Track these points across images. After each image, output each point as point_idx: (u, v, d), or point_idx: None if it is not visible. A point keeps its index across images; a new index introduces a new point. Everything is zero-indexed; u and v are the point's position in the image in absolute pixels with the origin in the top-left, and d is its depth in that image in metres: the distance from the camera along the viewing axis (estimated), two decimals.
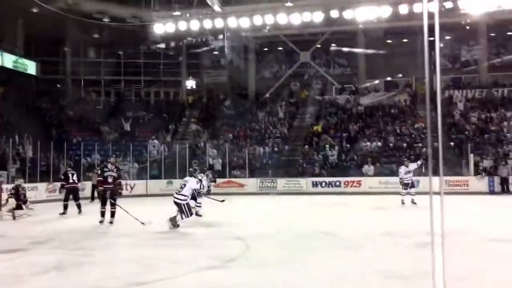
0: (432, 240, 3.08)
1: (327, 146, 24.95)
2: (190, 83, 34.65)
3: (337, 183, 22.58)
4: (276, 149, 25.93)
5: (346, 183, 22.49)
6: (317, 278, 5.86)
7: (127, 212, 10.89)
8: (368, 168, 22.96)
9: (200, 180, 12.00)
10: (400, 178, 15.93)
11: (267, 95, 32.07)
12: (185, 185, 10.76)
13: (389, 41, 31.52)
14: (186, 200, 10.55)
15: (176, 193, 10.69)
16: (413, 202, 15.31)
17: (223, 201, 13.29)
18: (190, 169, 13.03)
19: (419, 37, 31.37)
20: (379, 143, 24.90)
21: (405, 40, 30.59)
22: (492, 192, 20.40)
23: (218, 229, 10.25)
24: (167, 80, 34.22)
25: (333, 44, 32.69)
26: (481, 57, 29.97)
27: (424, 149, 23.72)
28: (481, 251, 7.39)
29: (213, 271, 6.39)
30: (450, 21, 28.33)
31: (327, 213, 14.08)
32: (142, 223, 10.52)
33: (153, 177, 23.67)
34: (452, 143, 24.60)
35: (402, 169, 15.96)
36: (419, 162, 16.58)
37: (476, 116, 25.85)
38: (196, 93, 34.00)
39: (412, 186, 15.90)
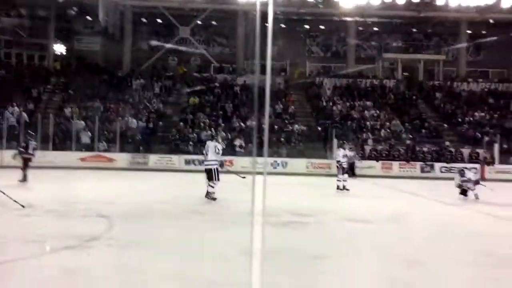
0: (252, 219, 3.10)
1: (202, 124, 24.93)
2: (59, 48, 32.08)
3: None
4: (150, 124, 25.24)
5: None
6: (180, 257, 5.74)
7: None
8: (242, 146, 23.51)
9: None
10: (338, 161, 14.79)
11: (143, 67, 30.98)
12: (208, 150, 11.07)
13: (267, 24, 32.18)
14: (216, 164, 10.97)
15: (205, 161, 11.07)
16: (345, 188, 14.28)
17: (244, 177, 12.49)
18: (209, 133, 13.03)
19: (296, 24, 32.78)
20: (254, 123, 25.52)
21: (283, 26, 31.50)
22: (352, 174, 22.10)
23: (80, 206, 9.63)
24: (32, 42, 31.23)
25: (213, 22, 32.58)
26: (350, 48, 32.06)
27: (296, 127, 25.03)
28: (338, 230, 7.89)
29: (71, 251, 5.95)
30: (326, 12, 29.93)
31: (199, 192, 14.05)
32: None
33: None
34: (319, 128, 26.16)
35: (341, 152, 14.95)
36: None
37: (341, 103, 27.68)
38: (65, 59, 31.61)
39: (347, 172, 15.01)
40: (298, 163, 23.04)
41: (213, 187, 11.06)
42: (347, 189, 14.14)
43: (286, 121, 25.98)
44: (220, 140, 12.01)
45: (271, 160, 22.96)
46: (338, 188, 14.35)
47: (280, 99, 27.96)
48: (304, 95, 30.27)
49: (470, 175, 13.09)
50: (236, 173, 13.07)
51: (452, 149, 24.02)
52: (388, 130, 25.72)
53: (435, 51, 32.56)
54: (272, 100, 27.68)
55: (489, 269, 5.51)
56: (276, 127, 25.61)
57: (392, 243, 6.99)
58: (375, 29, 32.61)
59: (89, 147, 22.86)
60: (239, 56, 31.87)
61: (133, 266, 5.27)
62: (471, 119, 26.79)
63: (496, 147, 23.56)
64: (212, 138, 12.40)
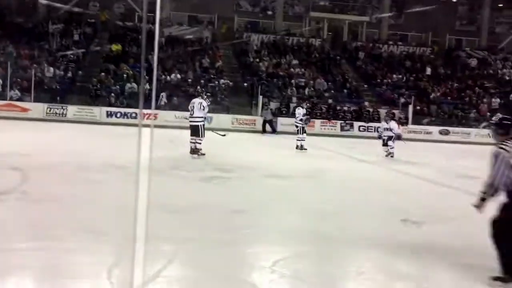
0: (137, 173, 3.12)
1: (125, 75, 24.05)
2: None
3: (133, 115, 22.10)
4: (69, 73, 23.92)
5: (143, 115, 22.10)
6: (96, 213, 5.62)
7: None
8: (164, 100, 23.07)
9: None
10: (300, 120, 14.68)
11: (62, 11, 28.95)
12: (193, 107, 11.18)
13: None
14: (202, 121, 11.16)
15: (190, 117, 11.22)
16: (302, 147, 14.37)
17: (224, 135, 13.07)
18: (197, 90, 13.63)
19: None
20: (178, 76, 25.00)
21: None
22: (274, 131, 22.53)
23: None
24: None
25: None
26: (278, 5, 31.87)
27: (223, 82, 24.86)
28: (259, 186, 8.09)
29: None
30: None
31: (119, 145, 13.70)
32: None
33: None
34: (245, 84, 26.20)
35: (300, 111, 14.89)
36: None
37: (268, 60, 27.76)
38: None
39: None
40: (224, 119, 23.02)
41: (200, 143, 11.20)
42: (305, 149, 14.24)
43: (212, 76, 25.69)
44: (205, 97, 11.84)
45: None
46: (297, 147, 14.39)
47: (207, 53, 27.51)
48: (231, 50, 30.00)
49: (394, 125, 13.82)
50: (214, 130, 13.17)
51: (370, 109, 25.11)
52: (312, 89, 26.29)
53: (360, 13, 33.25)
54: (199, 54, 27.22)
55: (395, 221, 5.93)
56: (202, 81, 25.30)
57: (309, 197, 7.30)
58: None
59: (0, 96, 21.35)
60: (165, 6, 30.63)
61: (44, 221, 5.10)
62: (389, 80, 28.01)
63: (410, 108, 24.92)
64: (197, 94, 12.32)
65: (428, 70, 29.43)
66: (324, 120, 23.92)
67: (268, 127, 22.42)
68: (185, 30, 29.64)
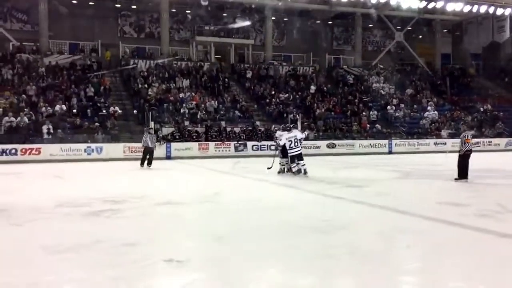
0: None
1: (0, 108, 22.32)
2: None
3: (13, 151, 20.48)
4: None
5: (24, 150, 20.63)
6: None
7: None
8: (50, 133, 21.75)
9: None
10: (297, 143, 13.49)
11: None
12: None
13: (74, 1, 30.20)
14: None
15: None
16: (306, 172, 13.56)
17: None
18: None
19: (106, 2, 31.23)
20: (63, 106, 23.73)
21: (91, 3, 29.80)
22: (168, 157, 22.23)
23: None
24: None
25: None
26: (163, 29, 31.76)
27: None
28: (152, 215, 7.86)
29: None
30: None
31: None
32: None
33: None
34: (135, 111, 25.61)
35: (298, 133, 13.94)
36: (306, 133, 15.21)
37: (157, 86, 27.45)
38: None
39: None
40: (115, 148, 22.23)
41: None
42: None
43: (99, 104, 24.77)
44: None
45: (84, 146, 21.76)
46: (299, 172, 13.49)
47: (91, 82, 26.49)
48: (118, 77, 29.24)
49: (298, 134, 13.76)
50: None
51: (262, 128, 25.82)
52: (204, 112, 26.44)
53: (244, 36, 34.33)
54: (83, 83, 26.12)
55: (288, 237, 6.11)
56: (88, 110, 24.29)
57: (202, 221, 7.26)
58: (188, 12, 32.90)
59: None
60: (43, 33, 29.11)
61: None
62: (277, 99, 29.10)
63: (299, 124, 26.03)
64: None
65: (312, 88, 31.09)
66: (218, 142, 24.10)
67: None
68: (66, 58, 28.33)
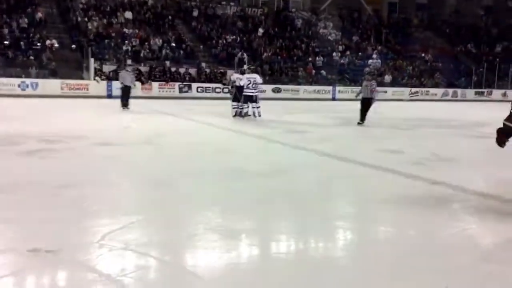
0: None
1: None
2: None
3: None
4: None
5: None
6: None
7: None
8: None
9: None
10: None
11: None
12: None
13: None
14: None
15: None
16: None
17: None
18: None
19: None
20: None
21: None
22: (109, 96, 21.45)
23: None
24: None
25: None
26: None
27: None
28: (90, 156, 7.62)
29: None
30: None
31: None
32: None
33: None
34: (73, 46, 24.30)
35: (243, 76, 13.88)
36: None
37: (97, 20, 26.03)
38: None
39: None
40: (51, 84, 21.18)
41: None
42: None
43: (33, 37, 23.25)
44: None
45: (17, 81, 20.56)
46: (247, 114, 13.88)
47: (25, 11, 24.68)
48: (55, 8, 27.37)
49: (258, 78, 14.00)
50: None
51: (207, 70, 25.35)
52: (148, 50, 25.50)
53: None
54: (15, 12, 24.30)
55: (229, 182, 6.12)
56: (22, 43, 22.79)
57: (141, 164, 7.11)
58: None
59: None
60: None
61: None
62: (224, 41, 28.47)
63: (245, 67, 25.72)
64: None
65: (260, 31, 30.59)
66: (162, 83, 23.49)
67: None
68: None
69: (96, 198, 5.10)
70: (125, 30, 26.11)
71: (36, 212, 4.53)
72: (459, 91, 31.56)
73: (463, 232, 4.36)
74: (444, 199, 5.52)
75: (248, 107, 13.86)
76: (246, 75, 13.94)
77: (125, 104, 15.46)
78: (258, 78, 14.05)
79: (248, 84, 13.56)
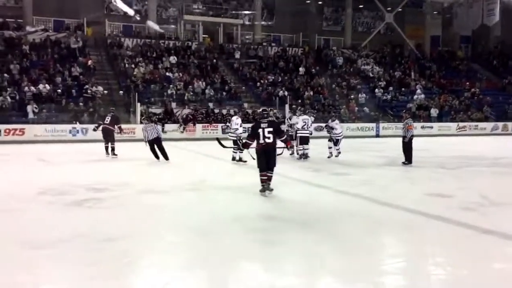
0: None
1: None
2: None
3: None
4: None
5: (7, 131, 20.31)
6: None
7: None
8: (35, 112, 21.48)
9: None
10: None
11: None
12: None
13: None
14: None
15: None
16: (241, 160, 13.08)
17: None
18: None
19: None
20: (47, 86, 23.26)
21: None
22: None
23: None
24: None
25: None
26: (150, 7, 31.23)
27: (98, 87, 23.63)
28: (135, 206, 7.73)
29: None
30: None
31: None
32: None
33: None
34: (121, 92, 25.25)
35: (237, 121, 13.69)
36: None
37: (144, 65, 27.02)
38: None
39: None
40: (99, 131, 21.91)
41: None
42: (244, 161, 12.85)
43: (85, 85, 24.34)
44: None
45: (69, 127, 21.48)
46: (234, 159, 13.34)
47: (77, 61, 26.01)
48: (104, 56, 28.74)
49: (310, 118, 14.46)
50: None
51: (250, 110, 25.64)
52: (192, 93, 26.15)
53: (233, 16, 33.82)
54: (68, 62, 25.63)
55: (266, 234, 6.04)
56: (73, 90, 23.91)
57: (185, 212, 7.16)
58: None
59: None
60: (27, 10, 28.44)
61: None
62: (266, 81, 28.85)
63: (287, 107, 25.90)
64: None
65: (301, 70, 30.86)
66: (205, 124, 23.92)
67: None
68: (50, 35, 27.68)
69: (143, 251, 5.14)
70: (169, 74, 26.97)
71: (84, 268, 4.61)
72: (509, 124, 30.42)
73: None
74: (498, 250, 5.25)
75: (302, 149, 13.91)
76: (301, 117, 14.10)
77: (163, 156, 13.71)
78: (310, 118, 14.44)
79: (303, 125, 13.79)
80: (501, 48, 39.85)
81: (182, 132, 22.79)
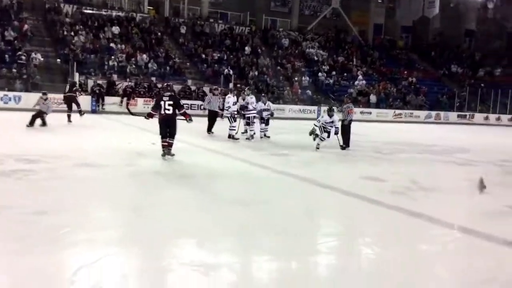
0: None
1: None
2: None
3: None
4: None
5: None
6: None
7: None
8: None
9: None
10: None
11: None
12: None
13: None
14: None
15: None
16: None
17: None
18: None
19: None
20: None
21: None
22: (94, 111, 21.27)
23: None
24: None
25: None
26: None
27: None
28: (69, 179, 7.47)
29: None
30: None
31: None
32: None
33: None
34: (59, 60, 24.13)
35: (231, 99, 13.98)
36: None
37: (84, 34, 25.92)
38: None
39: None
40: (35, 98, 20.87)
41: None
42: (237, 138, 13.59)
43: (19, 50, 23.03)
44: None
45: (0, 94, 20.31)
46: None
47: (11, 23, 24.50)
48: (41, 21, 27.24)
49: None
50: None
51: (194, 87, 25.33)
52: (134, 66, 25.43)
53: None
54: (1, 26, 24.11)
55: (206, 212, 6.06)
56: (6, 55, 22.57)
57: (121, 189, 7.01)
58: None
59: None
60: None
61: None
62: (211, 58, 28.52)
63: (231, 85, 25.78)
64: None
65: (247, 49, 30.74)
66: (147, 99, 23.38)
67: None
68: None
69: (72, 227, 4.98)
70: (112, 45, 26.04)
71: (6, 243, 4.41)
72: (442, 113, 31.97)
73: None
74: (424, 233, 5.54)
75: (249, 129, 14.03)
76: (248, 97, 14.06)
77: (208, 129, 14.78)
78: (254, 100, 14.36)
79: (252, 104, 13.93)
80: (439, 40, 41.55)
81: (120, 105, 22.11)
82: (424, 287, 4.03)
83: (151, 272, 3.97)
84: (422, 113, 31.29)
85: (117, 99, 22.61)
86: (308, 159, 11.04)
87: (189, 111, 21.20)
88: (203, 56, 28.52)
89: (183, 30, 30.28)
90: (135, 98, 23.05)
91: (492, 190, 7.72)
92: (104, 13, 28.69)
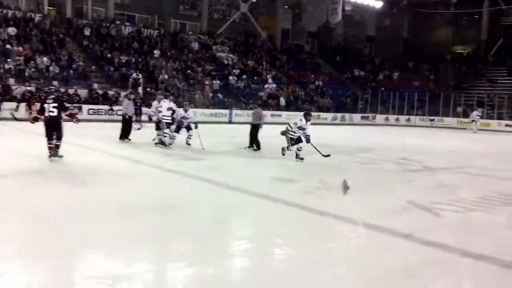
0: None
1: None
2: None
3: None
4: None
5: None
6: None
7: None
8: None
9: None
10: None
11: None
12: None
13: None
14: None
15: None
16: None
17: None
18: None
19: None
20: None
21: None
22: None
23: None
24: None
25: None
26: None
27: None
28: None
29: None
30: None
31: None
32: None
33: None
34: None
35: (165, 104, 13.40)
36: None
37: None
38: None
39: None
40: None
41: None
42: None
43: None
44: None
45: None
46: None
47: None
48: None
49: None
50: None
51: (100, 91, 24.36)
52: (34, 69, 23.92)
53: None
54: None
55: (118, 218, 5.83)
56: None
57: (22, 197, 6.55)
58: None
59: None
60: None
61: None
62: (118, 61, 27.62)
63: (140, 90, 25.16)
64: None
65: (156, 52, 30.18)
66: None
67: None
68: None
69: None
70: (8, 46, 24.30)
71: None
72: (347, 115, 33.59)
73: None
74: (332, 230, 5.76)
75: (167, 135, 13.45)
76: (162, 102, 13.67)
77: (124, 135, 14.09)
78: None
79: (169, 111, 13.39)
80: (343, 45, 43.67)
81: (16, 111, 20.38)
82: (328, 283, 4.17)
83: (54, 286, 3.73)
84: (329, 115, 32.64)
85: (13, 104, 21.03)
86: (219, 163, 11.05)
87: (96, 116, 20.46)
88: (110, 59, 27.53)
89: (87, 32, 29.04)
90: (35, 104, 21.63)
91: (394, 187, 8.22)
92: None
